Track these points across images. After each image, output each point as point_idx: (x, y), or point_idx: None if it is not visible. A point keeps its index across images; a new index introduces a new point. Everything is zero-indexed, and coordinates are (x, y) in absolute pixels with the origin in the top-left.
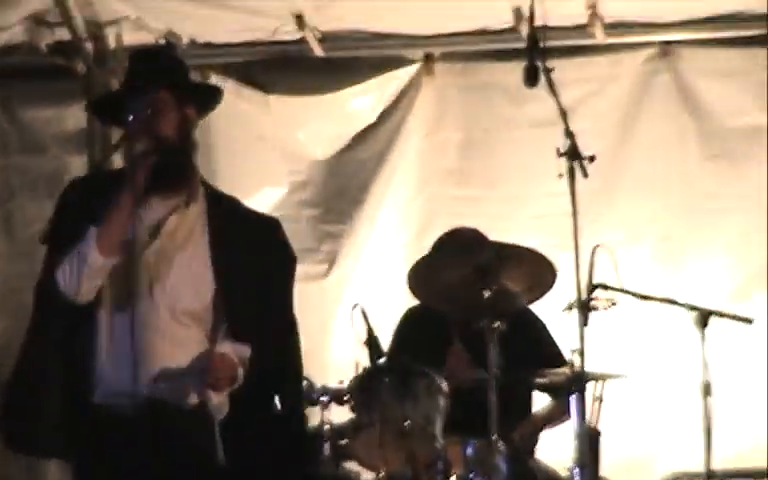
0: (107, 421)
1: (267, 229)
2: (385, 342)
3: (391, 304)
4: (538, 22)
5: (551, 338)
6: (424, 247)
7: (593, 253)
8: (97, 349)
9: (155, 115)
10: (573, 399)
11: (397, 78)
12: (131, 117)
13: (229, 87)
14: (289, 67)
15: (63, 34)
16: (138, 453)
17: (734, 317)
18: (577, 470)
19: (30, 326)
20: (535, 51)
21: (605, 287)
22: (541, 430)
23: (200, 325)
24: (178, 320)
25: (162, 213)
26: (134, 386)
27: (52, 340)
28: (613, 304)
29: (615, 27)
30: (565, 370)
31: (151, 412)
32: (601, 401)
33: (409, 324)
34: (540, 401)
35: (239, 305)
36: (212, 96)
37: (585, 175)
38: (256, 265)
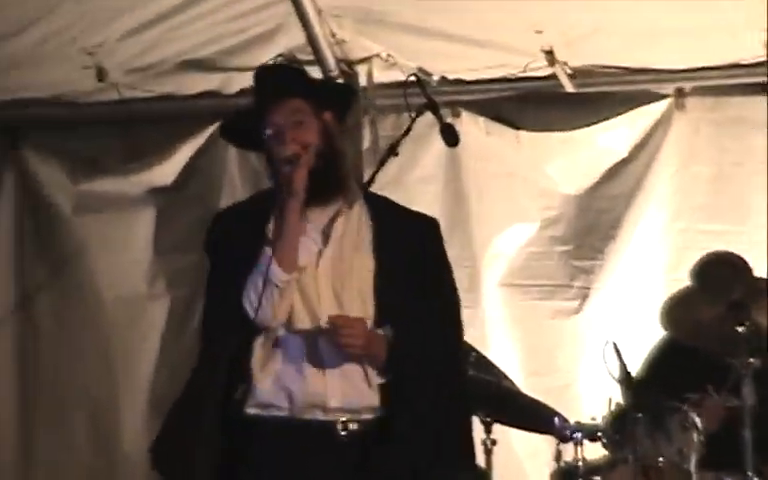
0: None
1: (428, 228)
2: (637, 376)
3: (644, 340)
4: None
5: None
6: (675, 282)
7: None
8: (277, 362)
9: (296, 124)
10: None
11: (648, 113)
12: (269, 131)
13: (480, 124)
14: (539, 103)
15: (315, 73)
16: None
17: None
18: None
19: (200, 358)
20: None
21: None
22: None
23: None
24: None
25: (327, 219)
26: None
27: (219, 368)
28: None
29: None
30: None
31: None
32: None
33: (660, 356)
34: None
35: (397, 301)
36: (345, 97)
37: None
38: (415, 264)
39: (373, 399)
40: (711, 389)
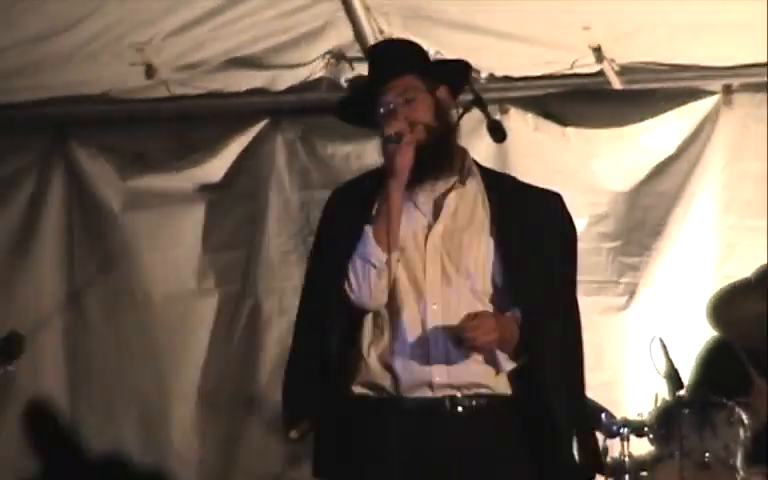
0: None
1: (549, 204)
2: (685, 374)
3: (691, 336)
4: None
5: None
6: (724, 279)
7: None
8: (384, 343)
9: (407, 102)
10: None
11: (696, 110)
12: (382, 109)
13: (528, 120)
14: (587, 99)
15: (363, 69)
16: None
17: None
18: None
19: (298, 327)
20: None
21: None
22: None
23: (493, 305)
24: (479, 300)
25: (437, 194)
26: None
27: (327, 340)
28: None
29: None
30: None
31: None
32: None
33: (711, 355)
34: None
35: (524, 281)
36: (461, 73)
37: None
38: (536, 242)
39: (483, 376)
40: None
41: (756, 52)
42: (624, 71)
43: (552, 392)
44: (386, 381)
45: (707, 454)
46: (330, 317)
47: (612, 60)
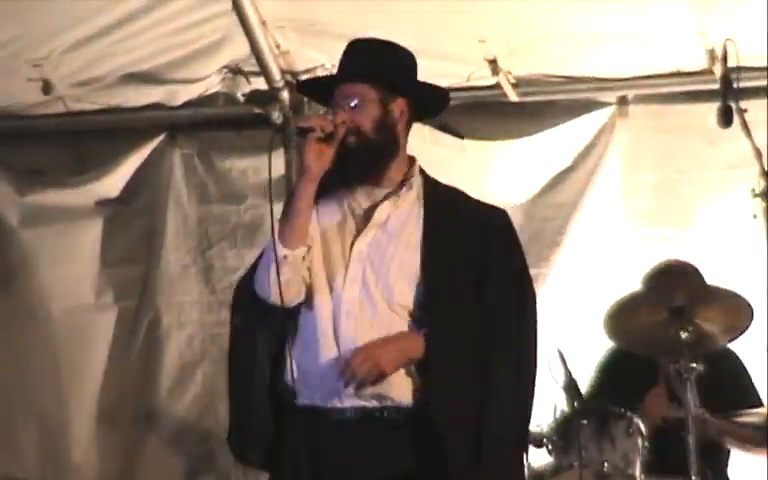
0: (315, 424)
1: (492, 222)
2: (583, 384)
3: (589, 346)
4: (731, 63)
5: (750, 378)
6: (621, 289)
7: None
8: (299, 346)
9: (353, 107)
10: None
11: (591, 121)
12: (335, 103)
13: (425, 133)
14: (484, 112)
15: (259, 84)
16: (346, 460)
17: None
18: None
19: (231, 336)
20: (729, 92)
21: None
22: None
23: (411, 319)
24: (396, 313)
25: (370, 203)
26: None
27: (253, 346)
28: None
29: None
30: (762, 411)
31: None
32: None
33: (610, 364)
34: None
35: (446, 301)
36: (435, 99)
37: None
38: (472, 261)
39: (398, 388)
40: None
41: (650, 64)
42: (520, 83)
43: (448, 408)
44: (300, 384)
45: (606, 464)
46: (253, 319)
47: (508, 72)
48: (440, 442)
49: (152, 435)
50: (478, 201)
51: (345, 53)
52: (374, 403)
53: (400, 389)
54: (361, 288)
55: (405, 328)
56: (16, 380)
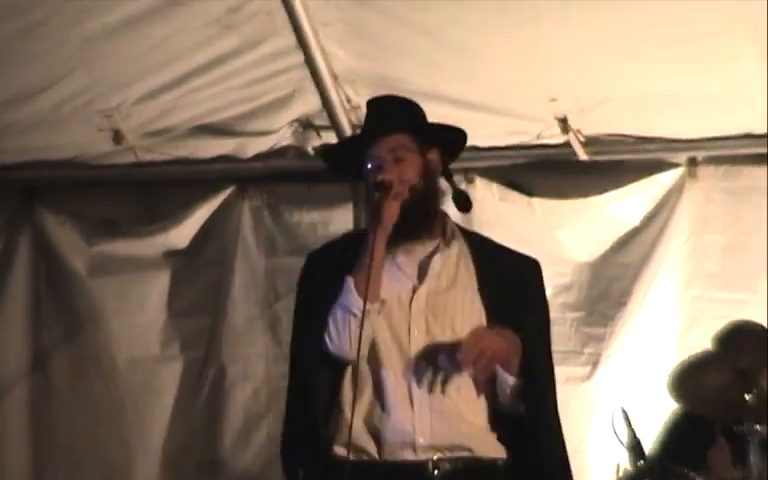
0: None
1: (529, 268)
2: (647, 445)
3: (653, 407)
4: None
5: None
6: (686, 349)
7: None
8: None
9: (397, 160)
10: None
11: (660, 182)
12: (370, 163)
13: (494, 190)
14: (553, 170)
15: (330, 138)
16: None
17: None
18: None
19: (289, 391)
20: None
21: None
22: None
23: None
24: None
25: (422, 256)
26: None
27: (312, 402)
28: None
29: None
30: None
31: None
32: None
33: (675, 425)
34: None
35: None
36: (455, 138)
37: None
38: (520, 302)
39: (468, 437)
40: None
41: (720, 125)
42: (590, 142)
43: (546, 456)
44: (368, 443)
45: None
46: (314, 376)
47: (578, 131)
48: None
49: None
50: (512, 249)
51: (369, 110)
52: (448, 454)
53: (474, 438)
54: (426, 340)
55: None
56: (81, 429)
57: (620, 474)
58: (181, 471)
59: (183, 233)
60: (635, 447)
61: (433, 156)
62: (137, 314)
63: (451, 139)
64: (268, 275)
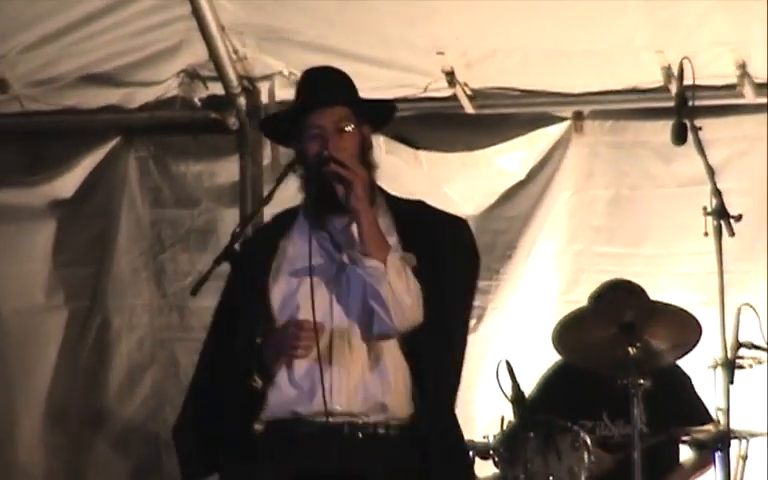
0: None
1: (454, 228)
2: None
3: (537, 360)
4: (687, 81)
5: (696, 395)
6: (570, 303)
7: (738, 311)
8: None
9: (339, 131)
10: (718, 456)
11: (546, 136)
12: (313, 131)
13: (380, 143)
14: (439, 123)
15: (217, 89)
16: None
17: None
18: None
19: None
20: (684, 110)
21: (751, 346)
22: None
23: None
24: None
25: (343, 225)
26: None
27: (229, 358)
28: (759, 363)
29: (765, 87)
30: (710, 427)
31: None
32: (746, 459)
33: (555, 377)
34: (685, 454)
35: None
36: (386, 113)
37: (731, 234)
38: (443, 263)
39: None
40: (605, 416)
41: (606, 80)
42: (476, 96)
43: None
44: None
45: (551, 478)
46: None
47: (465, 84)
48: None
49: (99, 436)
50: (439, 209)
51: (309, 82)
52: (364, 419)
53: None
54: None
55: (387, 344)
56: None
57: (504, 427)
58: (65, 421)
59: (68, 183)
60: (519, 400)
61: (366, 131)
62: (22, 264)
63: (385, 116)
64: (154, 226)
